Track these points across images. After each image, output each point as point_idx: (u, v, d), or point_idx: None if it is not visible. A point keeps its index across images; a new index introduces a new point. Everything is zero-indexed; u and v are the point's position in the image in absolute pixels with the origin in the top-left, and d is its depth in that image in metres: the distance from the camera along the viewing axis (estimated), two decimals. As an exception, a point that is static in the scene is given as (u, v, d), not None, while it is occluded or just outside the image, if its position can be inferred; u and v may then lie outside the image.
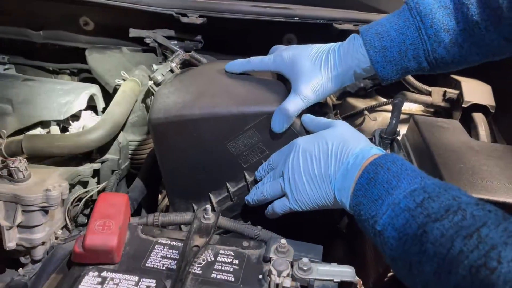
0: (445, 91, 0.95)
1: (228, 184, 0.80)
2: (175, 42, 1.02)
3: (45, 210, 0.80)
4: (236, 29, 1.05)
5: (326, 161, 0.65)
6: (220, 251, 0.65)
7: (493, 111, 0.92)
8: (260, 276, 0.61)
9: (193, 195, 0.81)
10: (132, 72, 1.02)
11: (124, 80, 1.01)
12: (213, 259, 0.63)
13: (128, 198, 0.67)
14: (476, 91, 0.94)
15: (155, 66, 0.96)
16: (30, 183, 0.79)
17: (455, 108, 0.95)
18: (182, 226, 0.80)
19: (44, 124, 0.91)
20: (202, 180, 0.80)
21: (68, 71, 1.26)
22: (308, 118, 0.75)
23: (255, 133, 0.74)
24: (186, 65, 0.97)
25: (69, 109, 0.91)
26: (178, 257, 0.63)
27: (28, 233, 0.80)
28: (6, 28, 1.20)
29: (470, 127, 0.93)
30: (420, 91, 0.97)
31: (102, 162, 0.95)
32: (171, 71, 0.92)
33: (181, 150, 0.76)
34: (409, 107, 1.02)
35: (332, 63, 0.71)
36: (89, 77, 1.19)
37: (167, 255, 0.63)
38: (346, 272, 0.61)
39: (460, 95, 0.94)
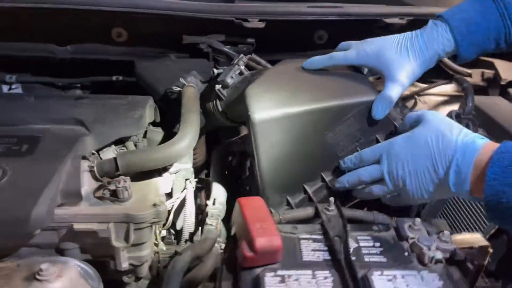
0: (483, 72, 1.07)
1: (323, 174, 0.84)
2: (229, 46, 1.04)
3: (151, 226, 0.80)
4: (282, 30, 1.09)
5: (430, 159, 0.71)
6: (358, 237, 0.70)
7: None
8: (406, 254, 0.67)
9: (288, 187, 0.85)
10: (185, 78, 1.02)
11: (180, 87, 1.01)
12: (356, 245, 0.68)
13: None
14: (507, 69, 1.07)
15: (216, 71, 0.98)
16: (133, 201, 0.78)
17: (493, 87, 1.07)
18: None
19: (119, 141, 0.89)
20: (298, 172, 0.84)
21: (79, 85, 1.22)
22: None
23: (353, 123, 0.80)
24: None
25: (143, 122, 0.90)
26: (326, 248, 0.67)
27: (137, 251, 0.79)
28: (23, 45, 1.14)
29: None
30: (461, 74, 1.08)
31: (176, 172, 0.95)
32: (240, 73, 0.94)
33: (281, 144, 0.80)
34: (445, 88, 1.13)
35: (418, 50, 0.79)
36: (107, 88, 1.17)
37: (316, 248, 0.67)
38: (478, 238, 0.69)
39: (497, 74, 1.06)
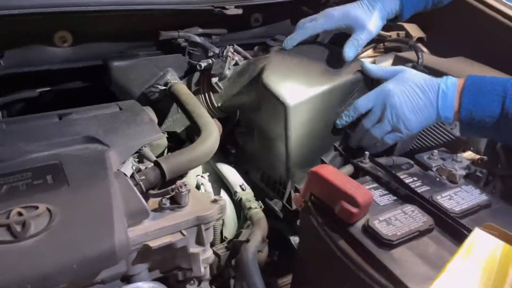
0: (398, 33, 1.30)
1: (335, 144, 0.95)
2: (203, 38, 1.02)
3: (212, 224, 0.78)
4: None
5: (422, 92, 0.87)
6: (401, 176, 0.83)
7: (425, 39, 1.34)
8: (437, 179, 0.84)
9: (310, 162, 0.93)
10: (164, 76, 0.98)
11: (164, 86, 0.96)
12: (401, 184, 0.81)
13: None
14: (413, 29, 1.33)
15: (203, 64, 0.97)
16: (190, 203, 0.76)
17: (405, 43, 1.32)
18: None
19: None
20: (318, 147, 0.93)
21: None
22: (375, 67, 0.97)
23: (359, 95, 0.92)
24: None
25: (156, 125, 0.85)
26: (387, 192, 0.78)
27: (203, 252, 0.77)
28: None
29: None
30: (383, 36, 1.29)
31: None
32: (236, 64, 0.95)
33: (306, 124, 0.88)
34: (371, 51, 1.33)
35: (378, 7, 0.97)
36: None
37: (381, 194, 0.77)
38: (472, 154, 0.90)
39: (408, 33, 1.31)
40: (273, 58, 0.94)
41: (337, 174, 0.73)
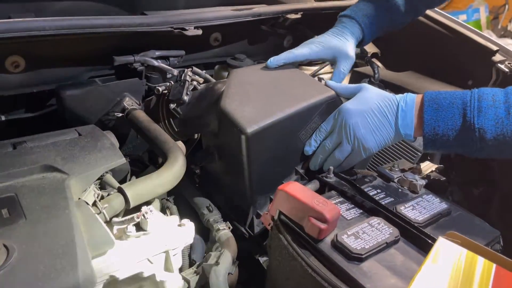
0: (353, 49, 1.35)
1: (296, 168, 0.96)
2: (160, 61, 1.00)
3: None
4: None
5: (381, 113, 0.87)
6: (365, 190, 0.85)
7: (379, 55, 1.39)
8: (400, 190, 0.86)
9: (271, 187, 0.92)
10: (121, 103, 0.96)
11: (121, 113, 0.94)
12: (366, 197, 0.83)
13: (295, 183, 0.77)
14: (369, 46, 1.38)
15: (160, 89, 0.95)
16: (156, 229, 0.74)
17: (361, 59, 1.37)
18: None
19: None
20: (279, 172, 0.93)
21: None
22: (336, 85, 0.99)
23: (319, 118, 0.93)
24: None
25: (118, 150, 0.82)
26: (353, 206, 0.80)
27: (172, 279, 0.75)
28: None
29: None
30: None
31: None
32: (194, 88, 0.94)
33: (266, 150, 0.88)
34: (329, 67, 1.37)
35: (349, 35, 1.05)
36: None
37: (347, 208, 0.79)
38: (430, 164, 0.93)
39: (363, 49, 1.36)
40: (231, 82, 0.94)
41: (303, 191, 0.74)
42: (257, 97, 0.90)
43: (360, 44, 1.10)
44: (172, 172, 0.79)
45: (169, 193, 0.99)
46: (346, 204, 0.80)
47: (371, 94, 0.91)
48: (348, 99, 0.93)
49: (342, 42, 1.03)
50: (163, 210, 0.92)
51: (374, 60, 1.39)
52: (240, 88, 0.92)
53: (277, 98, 0.91)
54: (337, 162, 0.94)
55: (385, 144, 0.91)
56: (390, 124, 0.87)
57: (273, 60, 0.99)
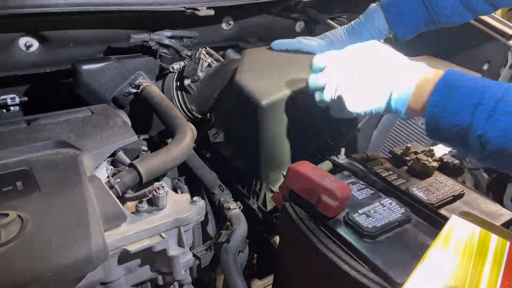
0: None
1: (310, 146, 0.95)
2: (174, 41, 1.01)
3: (190, 226, 0.77)
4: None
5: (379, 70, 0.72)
6: (377, 170, 0.84)
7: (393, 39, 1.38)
8: (411, 172, 0.85)
9: (284, 164, 0.93)
10: (136, 80, 0.96)
11: (136, 89, 0.95)
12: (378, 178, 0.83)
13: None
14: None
15: (176, 66, 0.95)
16: (168, 206, 0.74)
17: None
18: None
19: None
20: (291, 148, 0.93)
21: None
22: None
23: None
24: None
25: (131, 128, 0.83)
26: (364, 186, 0.79)
27: (183, 255, 0.76)
28: None
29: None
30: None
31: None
32: (209, 65, 0.94)
33: (280, 123, 0.88)
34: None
35: (367, 34, 1.00)
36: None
37: (358, 188, 0.78)
38: (443, 147, 0.92)
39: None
40: (246, 60, 0.94)
41: (315, 170, 0.73)
42: (271, 73, 0.91)
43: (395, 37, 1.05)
44: (181, 147, 0.79)
45: (181, 173, 1.00)
46: (357, 184, 0.80)
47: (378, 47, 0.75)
48: None
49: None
50: (174, 190, 0.93)
51: (387, 44, 1.37)
52: (254, 65, 0.93)
53: (290, 73, 0.91)
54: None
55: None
56: (386, 87, 0.72)
57: (277, 43, 0.99)
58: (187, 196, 0.79)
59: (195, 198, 0.76)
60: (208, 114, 1.04)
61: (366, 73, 0.72)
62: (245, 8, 1.18)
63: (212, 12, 0.99)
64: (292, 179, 0.75)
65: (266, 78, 0.89)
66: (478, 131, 0.61)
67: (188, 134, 0.82)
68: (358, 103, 0.73)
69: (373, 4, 1.02)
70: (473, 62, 1.21)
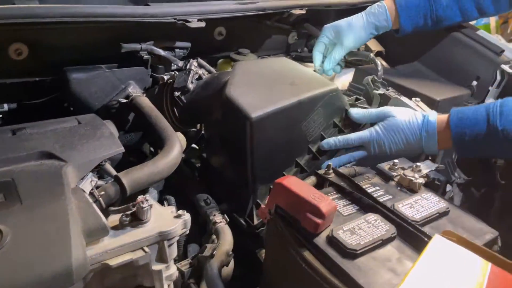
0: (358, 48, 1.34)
1: (297, 160, 0.96)
2: (166, 52, 1.01)
3: (174, 240, 0.76)
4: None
5: (407, 143, 0.96)
6: (363, 186, 0.84)
7: (384, 53, 1.39)
8: (398, 188, 0.85)
9: (272, 177, 0.93)
10: (126, 90, 0.96)
11: (125, 99, 0.94)
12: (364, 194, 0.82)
13: (292, 177, 0.76)
14: (372, 43, 1.37)
15: (165, 77, 0.95)
16: (152, 219, 0.73)
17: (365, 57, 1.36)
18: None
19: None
20: (280, 162, 0.93)
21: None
22: (359, 113, 1.00)
23: (321, 110, 0.94)
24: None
25: (117, 139, 0.82)
26: (350, 202, 0.79)
27: (166, 269, 0.75)
28: None
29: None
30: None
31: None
32: (199, 78, 0.94)
33: (270, 137, 0.88)
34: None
35: (362, 25, 1.11)
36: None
37: (344, 204, 0.78)
38: (430, 163, 0.92)
39: (368, 47, 1.35)
40: (237, 72, 0.95)
41: (301, 185, 0.73)
42: (261, 87, 0.91)
43: (397, 32, 1.16)
44: (168, 160, 0.79)
45: (168, 185, 0.99)
46: (343, 200, 0.80)
47: (398, 122, 0.96)
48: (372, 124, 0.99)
49: (347, 30, 1.09)
50: (161, 202, 0.92)
51: (378, 58, 1.38)
52: (244, 78, 0.93)
53: (281, 88, 0.92)
54: (348, 159, 0.99)
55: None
56: (416, 144, 0.96)
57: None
58: (172, 209, 0.79)
59: (180, 211, 0.75)
60: (198, 125, 1.04)
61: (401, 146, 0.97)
62: (237, 20, 1.18)
63: (203, 24, 0.99)
64: (277, 194, 0.74)
65: (257, 92, 0.89)
66: (500, 127, 0.84)
67: (176, 147, 0.82)
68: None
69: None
70: (462, 77, 1.22)
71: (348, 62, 1.33)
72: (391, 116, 0.96)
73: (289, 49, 1.44)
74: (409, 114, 0.96)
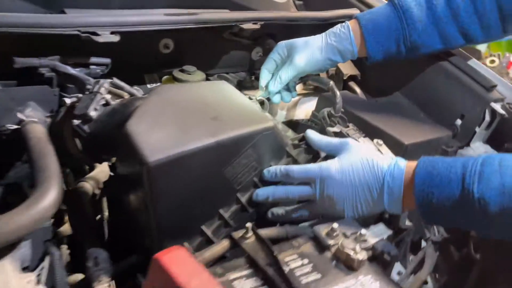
0: (327, 70, 1.15)
1: (221, 211, 0.77)
2: (79, 69, 0.83)
3: None
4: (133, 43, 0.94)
5: (367, 188, 0.73)
6: (286, 259, 0.66)
7: (359, 78, 1.19)
8: (333, 263, 0.66)
9: (185, 233, 0.75)
10: (22, 112, 0.79)
11: (17, 125, 0.78)
12: (288, 269, 0.64)
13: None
14: (346, 66, 1.18)
15: (68, 100, 0.78)
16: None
17: (337, 81, 1.17)
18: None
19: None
20: (195, 215, 0.75)
21: None
22: (317, 138, 0.81)
23: (251, 153, 0.75)
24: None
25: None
26: (262, 282, 0.61)
27: None
28: None
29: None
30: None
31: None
32: (106, 104, 0.77)
33: (177, 187, 0.70)
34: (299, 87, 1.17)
35: (319, 46, 0.94)
36: None
37: (253, 286, 0.60)
38: (383, 229, 0.73)
39: (339, 70, 1.16)
40: (150, 99, 0.77)
41: (185, 264, 0.56)
42: (175, 120, 0.73)
43: (368, 59, 0.97)
44: (33, 212, 0.61)
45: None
46: (253, 279, 0.61)
47: (355, 158, 0.75)
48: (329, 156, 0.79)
49: (302, 48, 0.92)
50: (46, 254, 0.75)
51: (352, 84, 1.19)
52: (157, 107, 0.75)
53: (200, 123, 0.73)
54: (299, 219, 0.80)
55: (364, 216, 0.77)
56: (376, 202, 0.74)
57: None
58: (31, 277, 0.61)
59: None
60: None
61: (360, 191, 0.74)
62: (187, 32, 1.01)
63: (116, 39, 0.81)
64: (155, 273, 0.57)
65: (166, 128, 0.71)
66: (476, 194, 0.62)
67: (48, 196, 0.64)
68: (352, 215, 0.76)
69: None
70: (445, 115, 1.02)
71: (311, 85, 1.14)
72: (350, 150, 0.76)
73: (253, 66, 1.25)
74: (374, 153, 0.77)
